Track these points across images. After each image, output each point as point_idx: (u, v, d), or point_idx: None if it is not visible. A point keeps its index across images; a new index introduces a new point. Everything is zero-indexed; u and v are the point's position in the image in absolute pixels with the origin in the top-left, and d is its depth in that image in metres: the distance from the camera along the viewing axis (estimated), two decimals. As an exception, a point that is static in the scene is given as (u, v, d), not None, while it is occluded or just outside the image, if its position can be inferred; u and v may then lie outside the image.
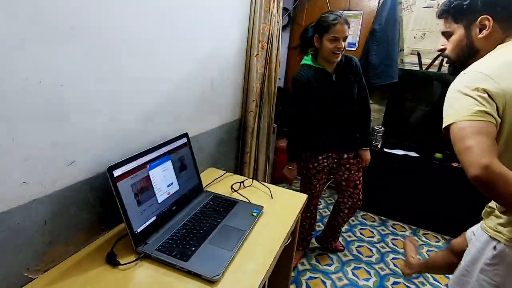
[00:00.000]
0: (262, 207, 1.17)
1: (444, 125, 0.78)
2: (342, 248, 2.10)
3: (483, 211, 0.95)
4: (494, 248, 0.84)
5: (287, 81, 3.07)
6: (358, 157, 1.72)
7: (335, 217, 1.92)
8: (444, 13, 0.89)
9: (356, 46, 2.67)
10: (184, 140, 1.20)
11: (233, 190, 1.29)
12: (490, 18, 0.81)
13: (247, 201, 1.21)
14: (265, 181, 2.02)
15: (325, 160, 1.65)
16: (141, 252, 0.88)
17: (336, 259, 2.01)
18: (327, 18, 1.37)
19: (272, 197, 1.28)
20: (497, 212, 0.86)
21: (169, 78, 1.17)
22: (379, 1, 2.49)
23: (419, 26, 2.44)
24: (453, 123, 0.75)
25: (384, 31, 2.41)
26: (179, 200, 1.11)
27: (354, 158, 1.70)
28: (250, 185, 1.36)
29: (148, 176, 0.98)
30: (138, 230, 0.90)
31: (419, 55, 2.50)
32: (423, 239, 2.33)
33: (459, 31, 0.87)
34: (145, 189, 0.95)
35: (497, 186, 0.68)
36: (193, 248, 0.91)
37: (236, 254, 0.92)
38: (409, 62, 2.53)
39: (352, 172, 1.71)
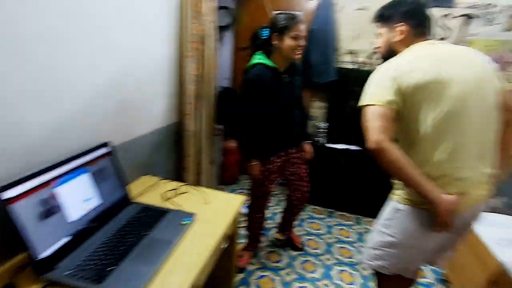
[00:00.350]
0: (195, 214, 1.13)
1: (359, 105, 1.01)
2: (301, 246, 2.12)
3: None
4: (393, 206, 1.09)
5: (235, 81, 3.05)
6: (302, 150, 1.80)
7: (287, 211, 2.00)
8: (376, 19, 1.15)
9: (297, 46, 2.74)
10: (106, 149, 1.11)
11: (165, 199, 1.23)
12: (405, 26, 1.04)
13: (179, 209, 1.17)
14: (211, 185, 1.99)
15: (277, 160, 1.67)
16: (47, 279, 0.79)
17: (285, 255, 2.05)
18: (287, 17, 1.40)
19: (207, 202, 1.25)
20: (395, 180, 1.09)
21: (84, 82, 1.07)
22: (317, 3, 2.58)
23: (353, 27, 2.58)
24: (366, 105, 0.98)
25: (322, 32, 2.51)
26: (100, 216, 1.03)
27: (298, 152, 1.78)
28: (185, 192, 1.32)
29: (55, 193, 0.88)
30: (44, 255, 0.81)
31: (354, 54, 2.65)
32: (367, 226, 2.48)
33: (385, 34, 1.11)
34: (51, 209, 0.86)
35: (383, 157, 0.93)
36: (111, 268, 0.84)
37: (160, 269, 0.87)
38: (345, 60, 2.67)
39: (298, 165, 1.80)
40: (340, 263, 2.02)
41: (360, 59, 2.64)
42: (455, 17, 2.34)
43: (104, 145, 1.11)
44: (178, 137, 1.73)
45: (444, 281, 1.89)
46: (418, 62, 0.97)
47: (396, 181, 1.09)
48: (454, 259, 1.76)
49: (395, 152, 0.92)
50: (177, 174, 1.78)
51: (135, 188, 1.27)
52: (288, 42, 1.41)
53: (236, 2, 2.78)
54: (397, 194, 1.08)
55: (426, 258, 1.13)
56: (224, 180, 2.92)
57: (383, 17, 1.11)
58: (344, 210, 2.67)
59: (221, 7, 2.79)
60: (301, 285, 1.80)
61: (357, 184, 2.52)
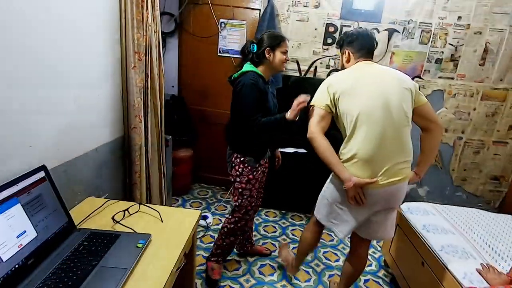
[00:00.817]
0: (150, 235, 1.08)
1: (310, 103, 1.40)
2: (268, 251, 2.16)
3: None
4: (329, 178, 1.50)
5: (182, 89, 2.98)
6: (270, 158, 1.90)
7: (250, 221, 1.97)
8: (336, 45, 1.67)
9: (244, 54, 2.80)
10: (41, 174, 1.00)
11: (115, 222, 1.16)
12: (348, 51, 1.44)
13: (132, 231, 1.10)
14: (162, 200, 1.91)
15: (259, 168, 1.68)
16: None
17: (243, 261, 2.07)
18: (277, 33, 1.61)
19: (162, 221, 1.20)
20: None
21: (11, 100, 0.95)
22: (260, 13, 2.67)
23: (295, 37, 2.73)
24: (312, 105, 1.38)
25: (266, 41, 2.61)
26: (38, 250, 0.92)
27: (267, 161, 1.84)
28: (136, 211, 1.25)
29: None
30: (-30, 306, 0.70)
31: (298, 62, 2.80)
32: (316, 224, 2.64)
33: (340, 56, 1.50)
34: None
35: (313, 144, 1.34)
36: (57, 308, 0.76)
37: (115, 300, 0.82)
38: (290, 68, 2.81)
39: (266, 174, 1.88)
40: (262, 258, 2.11)
41: (303, 67, 2.80)
42: (381, 31, 2.64)
43: (39, 169, 1.00)
44: (125, 152, 1.63)
45: (386, 266, 2.12)
46: (346, 76, 1.37)
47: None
48: (393, 246, 1.99)
49: (321, 142, 1.32)
50: (126, 191, 1.67)
51: (79, 213, 1.17)
52: (279, 56, 1.57)
53: (180, 8, 2.72)
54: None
55: (353, 224, 1.42)
56: (177, 191, 2.83)
57: (338, 44, 1.53)
58: (296, 211, 2.80)
59: (164, 13, 2.70)
60: (260, 289, 1.84)
61: (306, 185, 2.67)
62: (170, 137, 2.30)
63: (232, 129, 1.66)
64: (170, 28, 2.77)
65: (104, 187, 1.50)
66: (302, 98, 1.41)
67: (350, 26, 2.66)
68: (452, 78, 2.69)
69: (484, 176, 2.90)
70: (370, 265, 2.17)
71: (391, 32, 2.64)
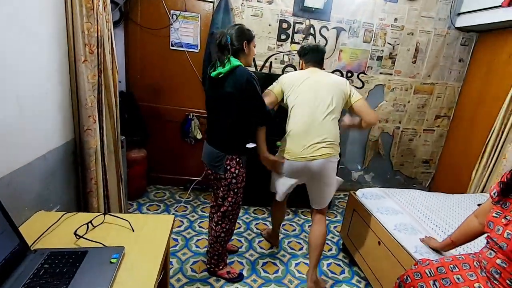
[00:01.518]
0: (123, 247, 0.99)
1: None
2: (236, 248, 2.18)
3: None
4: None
5: (130, 84, 2.75)
6: None
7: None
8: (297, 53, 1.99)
9: (198, 48, 2.70)
10: (-18, 191, 0.83)
11: (78, 237, 1.02)
12: (302, 60, 1.91)
13: (101, 245, 0.99)
14: (121, 206, 1.76)
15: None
16: None
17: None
18: (247, 28, 1.62)
19: (133, 230, 1.11)
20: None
21: None
22: (213, 6, 2.60)
23: (250, 32, 2.73)
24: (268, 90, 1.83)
25: (222, 35, 2.55)
26: (-12, 281, 0.77)
27: None
28: (102, 222, 1.13)
29: None
30: None
31: (253, 58, 2.81)
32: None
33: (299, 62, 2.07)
34: None
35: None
36: None
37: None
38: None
39: None
40: (262, 255, 2.16)
41: (258, 63, 2.82)
42: (330, 29, 2.80)
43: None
44: (77, 157, 1.44)
45: (345, 249, 2.30)
46: (295, 76, 1.81)
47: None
48: (350, 230, 2.16)
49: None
50: (81, 201, 1.49)
51: (30, 231, 1.00)
52: (253, 49, 1.66)
53: (125, -4, 2.49)
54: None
55: (283, 189, 1.87)
56: (131, 195, 2.63)
57: (298, 54, 1.94)
58: (258, 205, 2.84)
59: (107, 1, 2.44)
60: None
61: (266, 178, 2.72)
62: (124, 137, 2.11)
63: (230, 130, 1.59)
64: (114, 18, 2.52)
65: (55, 198, 1.31)
66: None
67: (302, 23, 2.76)
68: (391, 74, 3.00)
69: (417, 160, 3.33)
70: (331, 249, 2.32)
71: (339, 30, 2.82)
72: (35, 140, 1.18)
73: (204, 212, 2.64)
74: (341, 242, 2.35)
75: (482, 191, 2.41)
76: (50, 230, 1.05)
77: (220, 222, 1.74)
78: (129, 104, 2.66)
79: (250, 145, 2.69)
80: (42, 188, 1.23)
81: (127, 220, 1.13)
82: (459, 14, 2.85)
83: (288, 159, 1.74)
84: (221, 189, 1.67)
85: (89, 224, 1.08)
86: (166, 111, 2.83)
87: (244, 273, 1.96)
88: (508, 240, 0.97)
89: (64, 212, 1.14)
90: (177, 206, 2.69)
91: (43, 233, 1.02)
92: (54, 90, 1.27)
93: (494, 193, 1.10)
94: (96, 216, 1.13)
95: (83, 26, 1.28)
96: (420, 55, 2.96)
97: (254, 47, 1.66)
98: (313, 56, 1.85)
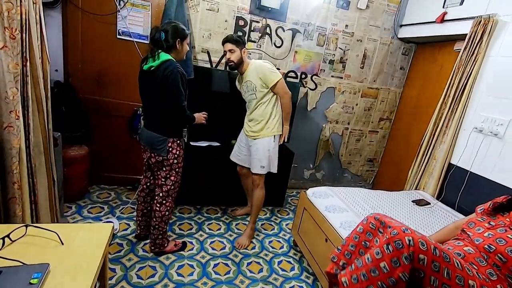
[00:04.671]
0: (47, 264, 0.87)
1: (275, 81, 2.08)
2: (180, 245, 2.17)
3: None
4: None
5: (69, 74, 2.47)
6: None
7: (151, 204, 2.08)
8: (229, 41, 2.08)
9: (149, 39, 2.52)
10: None
11: (-9, 254, 0.88)
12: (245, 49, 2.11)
13: (20, 263, 0.86)
14: (54, 213, 1.57)
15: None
16: None
17: (158, 266, 1.94)
18: (182, 27, 1.73)
19: (62, 243, 0.98)
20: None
21: None
22: (166, -5, 2.44)
23: (205, 26, 2.64)
24: (280, 79, 2.08)
25: (175, 27, 2.41)
26: None
27: None
28: (23, 236, 0.98)
29: None
30: None
31: (208, 53, 2.72)
32: (232, 215, 2.70)
33: (237, 51, 2.08)
34: None
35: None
36: None
37: None
38: (201, 59, 2.71)
39: None
40: (214, 257, 2.12)
41: (214, 59, 2.74)
42: (286, 30, 2.83)
43: None
44: (-5, 158, 1.24)
45: (295, 246, 2.36)
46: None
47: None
48: (300, 227, 2.23)
49: None
50: (1, 210, 1.28)
51: None
52: (186, 47, 1.79)
53: (63, -25, 2.22)
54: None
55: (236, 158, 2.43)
56: (69, 197, 2.38)
57: (235, 40, 2.10)
58: (210, 204, 2.78)
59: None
60: (181, 292, 1.77)
61: (221, 178, 2.69)
62: (59, 134, 1.89)
63: (164, 116, 1.74)
64: (49, -2, 2.23)
65: (-36, 207, 1.11)
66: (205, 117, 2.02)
67: (258, 22, 2.74)
68: (341, 78, 3.15)
69: (363, 159, 3.56)
70: (282, 247, 2.38)
71: (294, 32, 2.86)
72: None
73: (153, 213, 2.51)
74: (292, 239, 2.42)
75: (416, 188, 2.67)
76: (-46, 247, 0.88)
77: (164, 202, 1.89)
78: (67, 96, 2.40)
79: (203, 144, 2.63)
80: None
81: (54, 232, 1.00)
82: (402, 25, 3.10)
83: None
84: (163, 170, 1.84)
85: (6, 239, 0.93)
86: (112, 105, 2.61)
87: (195, 276, 1.91)
88: (488, 240, 1.13)
89: (-26, 225, 0.97)
90: (123, 208, 2.51)
91: None
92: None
93: (481, 209, 1.33)
94: (16, 229, 0.98)
95: (2, 6, 1.09)
96: (368, 61, 3.16)
97: (188, 44, 1.82)
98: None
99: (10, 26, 1.13)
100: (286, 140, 2.28)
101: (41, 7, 1.32)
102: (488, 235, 1.15)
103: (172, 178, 1.87)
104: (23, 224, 1.00)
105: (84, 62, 2.47)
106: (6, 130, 1.19)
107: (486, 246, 1.13)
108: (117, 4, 2.38)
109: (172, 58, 1.68)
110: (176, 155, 1.82)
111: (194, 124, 1.91)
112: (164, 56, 1.65)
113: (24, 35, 1.19)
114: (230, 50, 2.08)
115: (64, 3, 2.31)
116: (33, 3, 1.23)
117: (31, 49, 1.24)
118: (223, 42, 2.11)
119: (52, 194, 1.52)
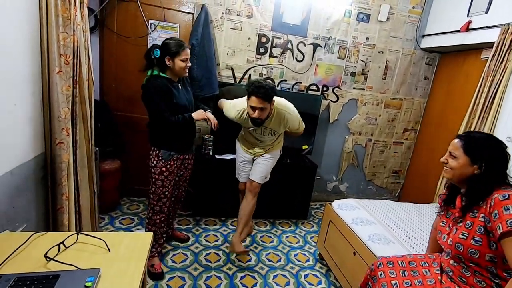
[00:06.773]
0: (99, 269, 0.94)
1: (302, 129, 2.22)
2: (186, 236, 2.34)
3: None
4: None
5: (104, 92, 2.66)
6: (193, 156, 2.08)
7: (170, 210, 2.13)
8: (263, 98, 1.81)
9: (177, 58, 2.67)
10: None
11: (48, 259, 0.96)
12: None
13: (75, 268, 0.94)
14: (94, 222, 1.68)
15: (172, 162, 1.82)
16: None
17: (187, 276, 1.98)
18: (175, 44, 1.67)
19: (109, 250, 1.06)
20: None
21: None
22: (193, 17, 2.60)
23: (229, 44, 2.77)
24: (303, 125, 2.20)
25: (201, 46, 2.54)
26: None
27: (192, 158, 2.06)
28: (75, 242, 1.07)
29: None
30: None
31: (232, 69, 2.84)
32: (257, 227, 2.72)
33: (268, 108, 1.89)
34: None
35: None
36: None
37: None
38: (225, 75, 2.83)
39: (188, 170, 2.07)
40: (240, 269, 2.13)
41: (237, 75, 2.85)
42: (307, 44, 2.91)
43: None
44: (46, 172, 1.36)
45: (321, 259, 2.34)
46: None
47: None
48: (326, 240, 2.21)
49: None
50: (49, 219, 1.40)
51: (-7, 255, 0.93)
52: (178, 64, 1.69)
53: (102, 3, 2.43)
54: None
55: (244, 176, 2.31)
56: (103, 208, 2.51)
57: (269, 96, 1.86)
58: (235, 217, 2.80)
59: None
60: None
61: (216, 188, 2.69)
62: (97, 149, 2.03)
63: (149, 126, 1.81)
64: (89, 25, 2.44)
65: (20, 216, 1.22)
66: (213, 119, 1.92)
67: (280, 38, 2.84)
68: (363, 89, 3.16)
69: (387, 171, 3.50)
70: (308, 260, 2.36)
71: (315, 46, 2.93)
72: (2, 154, 1.10)
73: (181, 224, 2.58)
74: (318, 252, 2.39)
75: (446, 201, 2.58)
76: (17, 252, 0.98)
77: (150, 207, 1.90)
78: (103, 114, 2.57)
79: (228, 157, 2.69)
80: (7, 206, 1.14)
81: (102, 240, 1.08)
82: (424, 36, 3.09)
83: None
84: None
85: (61, 245, 1.02)
86: (142, 121, 2.75)
87: (222, 287, 1.93)
88: (450, 246, 1.14)
89: (33, 232, 1.06)
90: (152, 219, 2.59)
91: (8, 256, 0.95)
92: (25, 103, 1.20)
93: (437, 206, 1.33)
94: (69, 236, 1.07)
95: (59, 36, 1.23)
96: (390, 72, 3.15)
97: (183, 60, 1.69)
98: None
99: (65, 53, 1.27)
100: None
101: (89, 35, 1.46)
102: (450, 242, 1.16)
103: (152, 188, 1.83)
104: (75, 232, 1.09)
105: (118, 81, 2.65)
106: (58, 145, 1.32)
107: (455, 255, 1.15)
108: (148, 27, 2.56)
109: (159, 74, 1.68)
110: (153, 164, 1.79)
111: (197, 121, 1.85)
112: (150, 73, 1.69)
113: (75, 60, 1.32)
114: (261, 108, 1.80)
115: (102, 28, 2.52)
116: (83, 31, 1.37)
117: (80, 72, 1.38)
118: (254, 94, 1.79)
119: (93, 205, 1.63)
